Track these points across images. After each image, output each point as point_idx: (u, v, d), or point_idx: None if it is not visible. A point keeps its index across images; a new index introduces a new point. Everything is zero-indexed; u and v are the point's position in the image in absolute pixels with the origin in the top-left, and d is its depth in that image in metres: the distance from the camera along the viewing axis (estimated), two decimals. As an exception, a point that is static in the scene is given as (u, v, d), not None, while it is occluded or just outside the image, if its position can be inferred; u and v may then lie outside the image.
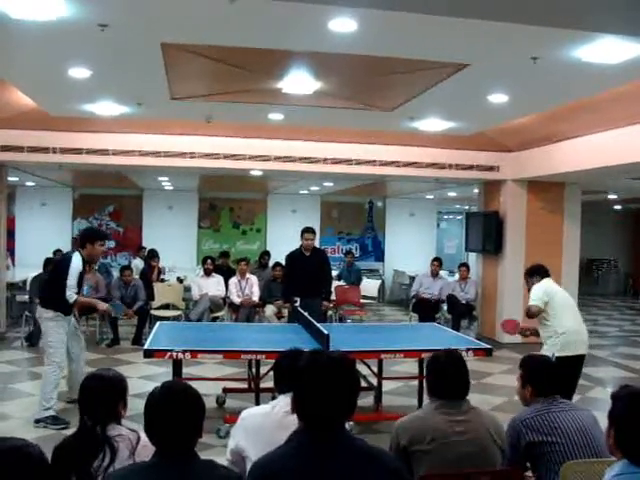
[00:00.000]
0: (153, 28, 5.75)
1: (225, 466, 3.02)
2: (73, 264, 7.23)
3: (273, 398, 3.84)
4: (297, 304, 9.10)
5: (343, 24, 5.39)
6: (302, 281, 9.44)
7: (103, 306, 8.22)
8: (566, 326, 6.97)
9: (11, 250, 16.91)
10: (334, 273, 16.29)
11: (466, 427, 3.54)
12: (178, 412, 2.66)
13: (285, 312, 11.27)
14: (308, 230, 9.85)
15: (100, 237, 7.71)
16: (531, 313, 7.13)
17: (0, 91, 9.01)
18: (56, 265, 7.85)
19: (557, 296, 7.17)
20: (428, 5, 4.74)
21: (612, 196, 18.35)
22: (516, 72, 6.91)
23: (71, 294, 7.13)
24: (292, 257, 9.96)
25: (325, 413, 2.54)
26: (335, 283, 14.76)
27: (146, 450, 3.08)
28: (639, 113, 8.53)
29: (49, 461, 2.54)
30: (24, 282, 13.54)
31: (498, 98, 8.14)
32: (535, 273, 7.36)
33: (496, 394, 8.67)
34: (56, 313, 7.22)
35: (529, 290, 7.28)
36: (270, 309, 12.04)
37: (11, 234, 16.95)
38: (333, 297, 13.94)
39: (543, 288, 7.14)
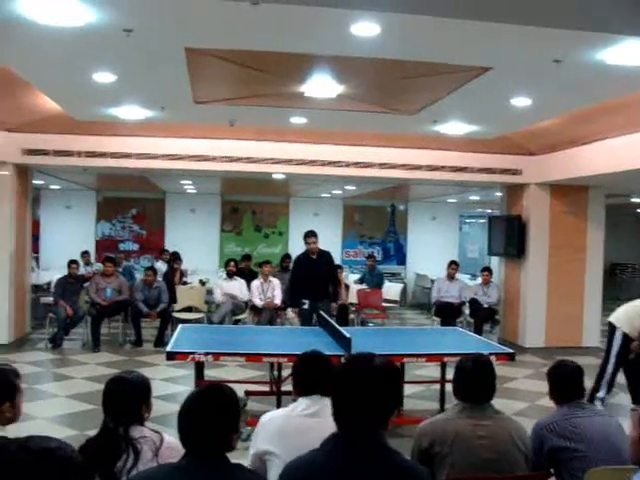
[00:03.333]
0: (177, 33, 5.79)
1: (253, 470, 3.03)
2: None
3: (294, 401, 3.84)
4: (306, 307, 9.12)
5: (366, 28, 5.39)
6: (311, 284, 9.48)
7: None
8: None
9: (36, 252, 17.13)
10: (356, 277, 16.32)
11: (489, 431, 3.53)
12: (210, 413, 2.67)
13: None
14: (310, 234, 9.86)
15: None
16: None
17: (26, 95, 9.10)
18: None
19: None
20: (450, 8, 4.74)
21: (636, 199, 18.19)
22: (539, 75, 6.88)
23: None
24: (299, 262, 9.99)
25: (362, 419, 2.47)
26: (357, 287, 14.78)
27: (169, 452, 3.10)
28: (664, 116, 8.48)
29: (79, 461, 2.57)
30: (48, 284, 13.67)
31: (521, 101, 8.10)
32: None
33: (519, 399, 8.62)
34: None
35: None
36: (291, 311, 12.05)
37: (36, 237, 17.12)
38: (355, 300, 13.98)
39: None
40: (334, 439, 2.51)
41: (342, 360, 5.71)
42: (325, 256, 10.02)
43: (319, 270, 9.64)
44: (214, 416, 2.66)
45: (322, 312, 8.66)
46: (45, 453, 2.22)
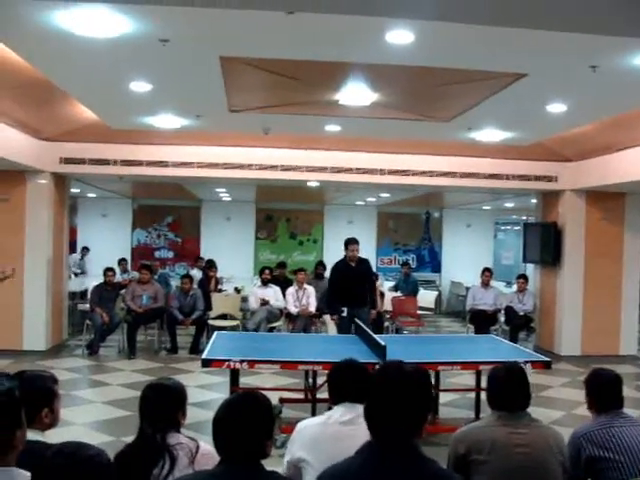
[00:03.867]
0: (212, 42, 5.84)
1: (287, 477, 3.03)
2: None
3: (329, 409, 3.84)
4: (344, 314, 9.11)
5: (400, 36, 5.40)
6: (349, 291, 9.46)
7: None
8: None
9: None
10: (391, 284, 16.29)
11: (526, 440, 3.50)
12: (244, 420, 2.68)
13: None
14: (353, 241, 9.87)
15: None
16: None
17: (63, 105, 9.24)
18: None
19: None
20: (484, 16, 4.73)
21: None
22: (575, 81, 6.83)
23: None
24: (338, 268, 9.98)
25: (396, 427, 2.47)
26: (392, 294, 14.74)
27: (205, 459, 3.12)
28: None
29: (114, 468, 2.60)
30: (85, 291, 13.82)
31: (556, 108, 8.04)
32: None
33: (555, 407, 8.54)
34: None
35: None
36: (329, 318, 12.06)
37: (73, 244, 17.35)
38: (390, 308, 13.94)
39: None
40: (369, 447, 2.51)
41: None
42: (364, 263, 10.01)
43: (357, 277, 9.64)
44: (248, 423, 2.67)
45: (357, 320, 8.64)
46: (80, 459, 2.25)
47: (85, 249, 18.28)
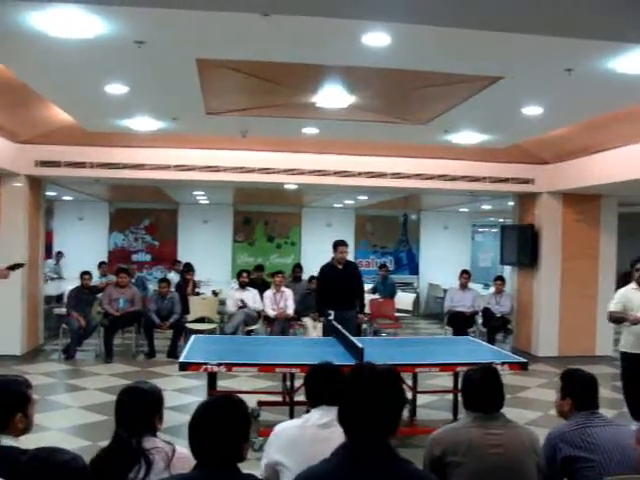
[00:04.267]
0: (188, 44, 5.82)
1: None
2: None
3: (307, 411, 3.84)
4: (331, 317, 9.09)
5: (377, 38, 5.41)
6: (336, 294, 9.43)
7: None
8: None
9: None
10: (369, 287, 16.30)
11: (502, 440, 3.53)
12: (224, 424, 2.68)
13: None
14: (342, 243, 9.86)
15: None
16: None
17: (38, 107, 9.17)
18: None
19: None
20: (461, 19, 4.75)
21: (650, 208, 18.14)
22: (551, 84, 6.88)
23: None
24: (325, 271, 9.95)
25: (370, 427, 2.49)
26: (370, 296, 14.74)
27: (181, 462, 3.10)
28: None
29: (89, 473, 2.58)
30: (62, 295, 13.72)
31: (533, 110, 8.10)
32: None
33: (532, 408, 8.58)
34: None
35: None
36: (309, 322, 12.06)
37: (49, 248, 17.23)
38: (368, 310, 13.94)
39: None
40: (343, 449, 2.52)
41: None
42: (351, 266, 10.00)
43: (344, 280, 9.61)
44: (224, 426, 2.67)
45: (335, 323, 8.62)
46: (55, 464, 2.23)
47: (59, 253, 18.13)
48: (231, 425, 2.69)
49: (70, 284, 13.21)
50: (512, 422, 3.71)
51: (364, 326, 13.02)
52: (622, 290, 7.48)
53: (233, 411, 2.75)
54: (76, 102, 8.39)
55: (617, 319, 7.52)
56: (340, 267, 9.70)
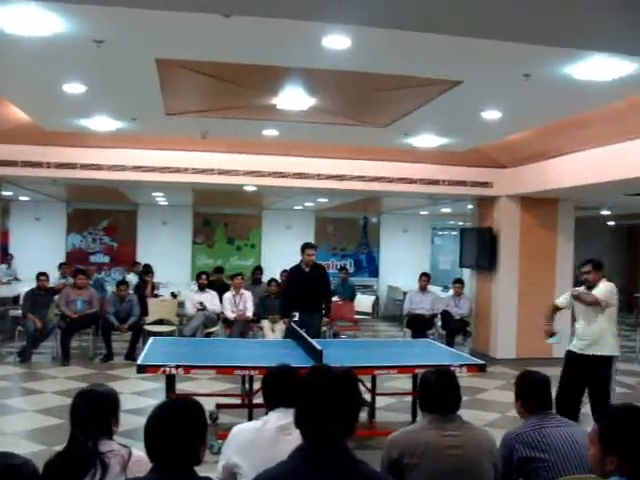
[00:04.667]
0: (148, 44, 5.78)
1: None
2: None
3: (267, 414, 3.83)
4: (296, 319, 9.09)
5: (337, 41, 5.43)
6: (301, 297, 9.43)
7: None
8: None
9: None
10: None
11: (458, 442, 3.55)
12: (179, 427, 2.66)
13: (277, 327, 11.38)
14: (310, 246, 9.86)
15: None
16: (596, 304, 7.08)
17: (-6, 106, 9.03)
18: None
19: (616, 297, 7.28)
20: (420, 23, 4.77)
21: (605, 212, 18.41)
22: (509, 89, 6.96)
23: None
24: (292, 272, 9.94)
25: (326, 429, 2.50)
26: (329, 299, 14.73)
27: (138, 466, 3.07)
28: (631, 130, 8.58)
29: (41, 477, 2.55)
30: (17, 297, 13.52)
31: (491, 115, 8.18)
32: (602, 268, 7.30)
33: (490, 410, 8.66)
34: None
35: (590, 285, 7.20)
36: (267, 324, 12.04)
37: (5, 249, 16.97)
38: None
39: (611, 288, 7.16)
40: (300, 451, 2.52)
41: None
42: (319, 269, 9.98)
43: (311, 283, 9.59)
44: (180, 429, 2.65)
45: (309, 326, 8.62)
46: (5, 468, 2.20)
47: (9, 255, 17.72)
48: (187, 427, 2.67)
49: (26, 286, 13.02)
50: (468, 423, 3.74)
51: (323, 328, 13.03)
52: (566, 295, 7.58)
53: (189, 413, 2.74)
54: (33, 101, 8.28)
55: (547, 314, 7.79)
56: (307, 270, 9.69)
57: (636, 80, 6.15)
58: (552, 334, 7.73)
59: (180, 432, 2.64)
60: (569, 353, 7.42)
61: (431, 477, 3.46)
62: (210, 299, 12.65)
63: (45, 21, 5.06)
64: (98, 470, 3.07)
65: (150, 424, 2.70)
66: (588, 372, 7.14)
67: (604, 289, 7.10)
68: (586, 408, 7.90)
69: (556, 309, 7.74)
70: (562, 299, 7.64)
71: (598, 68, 5.91)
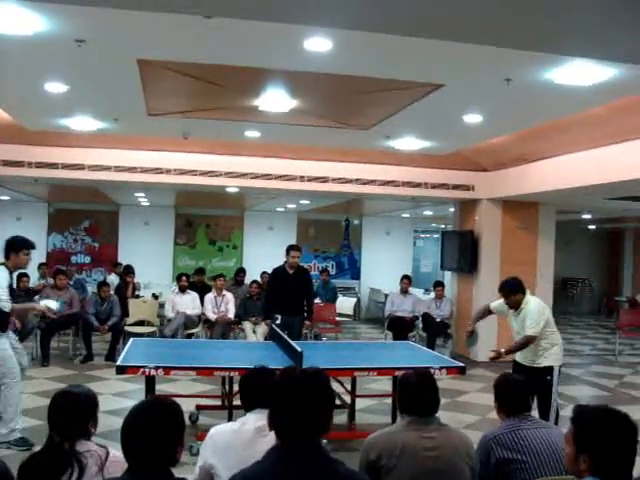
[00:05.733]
0: (130, 44, 5.77)
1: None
2: None
3: (245, 415, 3.83)
4: (278, 321, 9.08)
5: (318, 43, 5.44)
6: (284, 299, 9.43)
7: (40, 306, 7.93)
8: (559, 337, 7.08)
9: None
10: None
11: (436, 443, 3.58)
12: (156, 427, 2.65)
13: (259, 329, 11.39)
14: (294, 248, 9.84)
15: (25, 246, 7.42)
16: (532, 342, 6.84)
17: (-25, 105, 8.98)
18: None
19: (547, 309, 7.12)
20: (403, 26, 4.78)
21: (586, 216, 18.53)
22: (490, 93, 7.00)
23: (4, 304, 6.77)
24: (275, 274, 9.93)
25: (300, 429, 2.52)
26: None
27: (115, 466, 3.07)
28: (611, 135, 8.65)
29: (14, 477, 2.54)
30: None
31: (473, 118, 8.22)
32: (520, 289, 7.01)
33: (470, 412, 8.69)
34: None
35: (513, 307, 7.04)
36: (248, 326, 12.04)
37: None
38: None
39: (539, 307, 6.95)
40: (275, 451, 2.55)
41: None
42: (303, 273, 9.96)
43: (294, 285, 9.57)
44: (156, 429, 2.64)
45: (291, 329, 8.61)
46: None
47: None
48: (162, 428, 2.67)
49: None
50: (446, 425, 3.76)
51: (304, 330, 13.03)
52: (502, 301, 7.35)
53: (166, 414, 2.73)
54: (14, 100, 8.24)
55: (476, 315, 7.88)
56: (291, 272, 9.67)
57: (615, 85, 6.22)
58: (472, 333, 7.67)
59: (157, 432, 2.64)
60: (514, 362, 7.33)
61: (408, 478, 3.47)
62: (191, 300, 12.62)
63: (26, 20, 5.04)
64: (75, 470, 3.07)
65: (126, 425, 2.70)
66: (531, 382, 7.12)
67: (533, 314, 6.88)
68: (565, 411, 7.96)
69: (488, 312, 7.67)
70: (497, 304, 7.42)
71: (578, 73, 5.96)
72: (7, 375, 6.94)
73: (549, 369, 6.90)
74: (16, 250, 7.24)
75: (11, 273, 7.24)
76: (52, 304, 7.72)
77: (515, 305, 7.01)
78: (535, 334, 6.81)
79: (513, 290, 7.02)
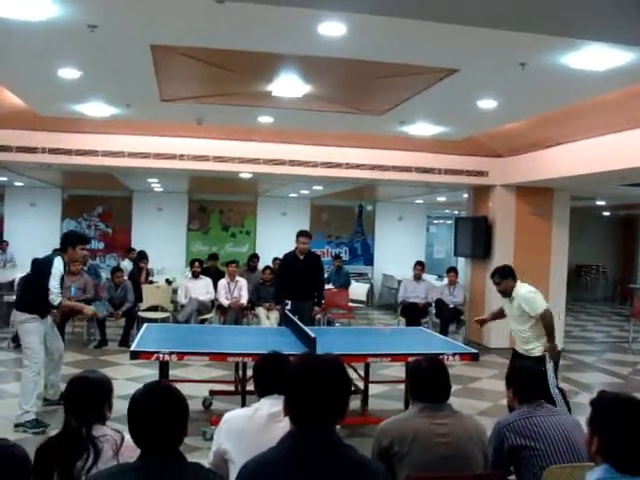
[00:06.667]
0: (143, 29, 5.76)
1: (211, 469, 3.01)
2: (55, 267, 7.12)
3: (259, 401, 3.83)
4: (288, 307, 9.09)
5: (333, 28, 5.41)
6: (294, 284, 9.43)
7: (89, 310, 8.17)
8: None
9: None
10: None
11: (448, 430, 3.58)
12: (160, 413, 2.64)
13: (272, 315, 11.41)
14: (304, 234, 9.83)
15: (83, 241, 7.61)
16: (550, 316, 6.97)
17: (-12, 90, 9.00)
18: (37, 268, 7.55)
19: (539, 292, 7.21)
20: (417, 10, 4.76)
21: (601, 202, 18.44)
22: (505, 78, 6.94)
23: (55, 297, 7.02)
24: (286, 260, 9.94)
25: (316, 415, 2.52)
26: (324, 286, 14.77)
27: (130, 451, 3.08)
28: (627, 120, 8.58)
29: (32, 462, 2.55)
30: (12, 282, 13.49)
31: (487, 104, 8.17)
32: (510, 275, 7.15)
33: (483, 399, 8.68)
34: (32, 315, 7.09)
35: (503, 292, 7.17)
36: (263, 312, 12.07)
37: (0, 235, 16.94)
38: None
39: (531, 289, 7.09)
40: (290, 437, 2.55)
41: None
42: (313, 258, 9.96)
43: (304, 271, 9.58)
44: (161, 416, 2.64)
45: (301, 315, 8.61)
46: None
47: (4, 242, 17.68)
48: (167, 414, 2.64)
49: (21, 272, 12.99)
50: (458, 412, 3.76)
51: (318, 316, 13.04)
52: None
53: (165, 399, 2.70)
54: (28, 86, 8.24)
55: (492, 314, 7.98)
56: (301, 258, 9.68)
57: (632, 70, 6.15)
58: (483, 323, 7.99)
59: (160, 419, 2.63)
60: (514, 351, 7.38)
61: (420, 465, 3.48)
62: (204, 286, 12.66)
63: (39, 6, 5.04)
64: (91, 454, 3.10)
65: (131, 412, 2.70)
66: None
67: (528, 298, 7.02)
68: (579, 398, 7.96)
69: (501, 314, 7.67)
70: (501, 303, 7.53)
71: (594, 58, 5.89)
72: (31, 358, 7.09)
73: (542, 359, 6.92)
74: (73, 244, 7.40)
75: (65, 265, 7.37)
76: (100, 308, 7.95)
77: (508, 291, 7.12)
78: (544, 309, 6.95)
79: (504, 276, 7.15)
